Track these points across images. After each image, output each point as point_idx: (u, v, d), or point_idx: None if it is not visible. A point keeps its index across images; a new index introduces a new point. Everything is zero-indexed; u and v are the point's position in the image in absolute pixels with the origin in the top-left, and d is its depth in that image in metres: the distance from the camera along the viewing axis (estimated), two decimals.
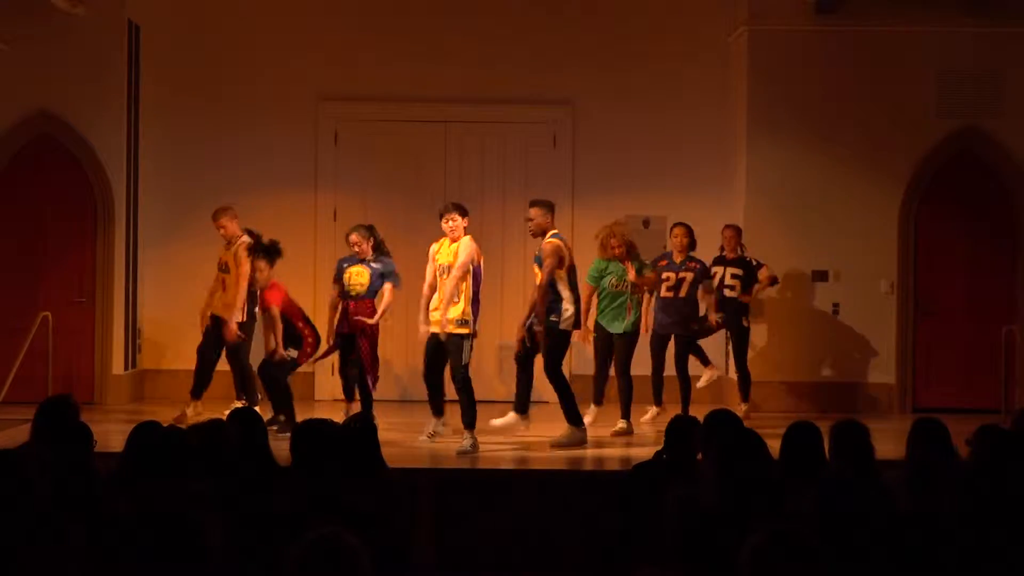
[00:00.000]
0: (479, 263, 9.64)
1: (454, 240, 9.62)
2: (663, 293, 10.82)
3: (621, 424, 10.39)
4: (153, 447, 5.13)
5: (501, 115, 12.64)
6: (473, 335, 9.59)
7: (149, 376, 12.55)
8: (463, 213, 9.64)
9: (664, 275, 10.81)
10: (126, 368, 12.19)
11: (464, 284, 9.54)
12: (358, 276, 10.28)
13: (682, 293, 10.82)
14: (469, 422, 9.44)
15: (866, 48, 12.07)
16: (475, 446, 9.36)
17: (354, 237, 10.37)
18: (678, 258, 10.89)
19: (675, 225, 11.09)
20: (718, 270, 11.39)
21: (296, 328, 10.45)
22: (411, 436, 9.84)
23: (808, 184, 12.12)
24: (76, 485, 5.00)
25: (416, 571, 5.66)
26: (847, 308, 12.16)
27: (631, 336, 10.63)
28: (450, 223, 9.59)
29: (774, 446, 5.34)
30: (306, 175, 12.65)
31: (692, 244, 10.93)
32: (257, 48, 12.60)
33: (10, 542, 3.98)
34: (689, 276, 10.82)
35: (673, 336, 10.84)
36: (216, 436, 5.55)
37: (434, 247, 9.79)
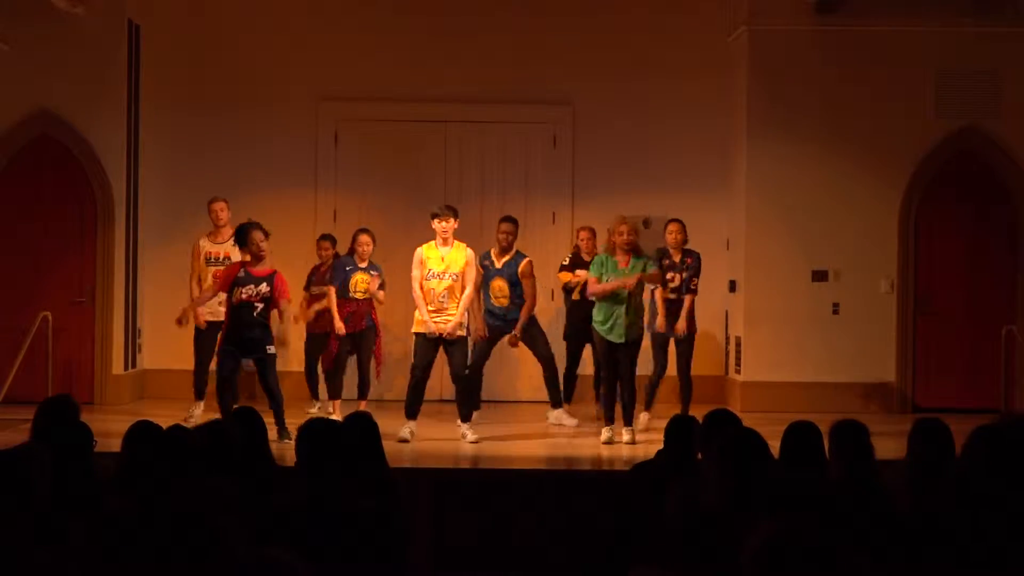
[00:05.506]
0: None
1: (445, 242, 9.81)
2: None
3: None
4: (149, 447, 5.13)
5: (501, 115, 12.65)
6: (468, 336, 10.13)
7: (149, 376, 12.55)
8: (456, 215, 9.90)
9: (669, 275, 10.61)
10: (126, 368, 12.19)
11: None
12: (363, 283, 10.64)
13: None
14: (468, 415, 9.88)
15: (866, 48, 12.06)
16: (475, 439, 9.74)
17: (365, 238, 10.69)
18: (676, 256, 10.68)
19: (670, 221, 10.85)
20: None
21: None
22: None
23: (808, 184, 12.11)
24: (76, 485, 4.99)
25: (415, 571, 5.66)
26: (847, 308, 12.15)
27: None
28: (443, 224, 9.79)
29: (774, 446, 5.34)
30: (306, 175, 12.66)
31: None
32: (257, 48, 12.60)
33: (10, 542, 3.98)
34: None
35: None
36: (217, 436, 5.55)
37: (424, 252, 9.87)
